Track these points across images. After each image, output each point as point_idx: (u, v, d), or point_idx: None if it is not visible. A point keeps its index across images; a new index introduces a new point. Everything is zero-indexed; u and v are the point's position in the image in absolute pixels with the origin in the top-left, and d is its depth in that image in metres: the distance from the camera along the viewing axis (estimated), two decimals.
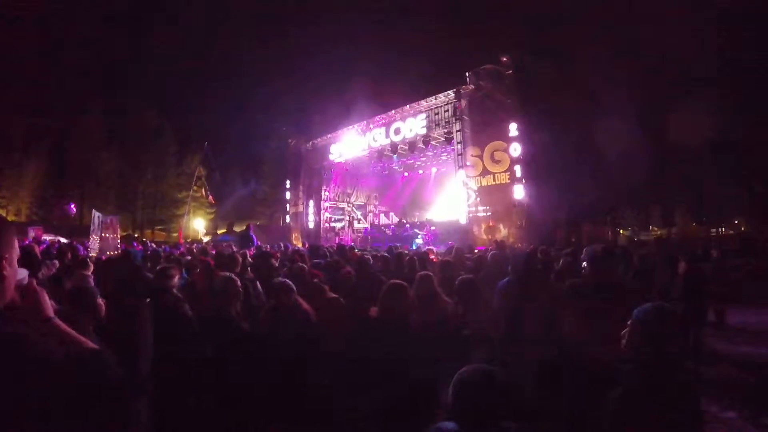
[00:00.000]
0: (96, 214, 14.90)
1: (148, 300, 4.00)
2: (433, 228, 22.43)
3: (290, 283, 4.40)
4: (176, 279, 4.27)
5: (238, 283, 4.18)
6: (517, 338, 4.04)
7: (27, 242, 15.03)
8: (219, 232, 41.71)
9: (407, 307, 3.93)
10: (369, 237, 25.41)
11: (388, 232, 25.25)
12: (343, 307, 4.64)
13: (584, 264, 6.65)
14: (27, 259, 4.21)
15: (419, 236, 21.90)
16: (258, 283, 5.60)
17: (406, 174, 28.84)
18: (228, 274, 4.26)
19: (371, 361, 3.75)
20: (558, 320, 3.90)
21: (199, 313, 4.48)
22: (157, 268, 4.31)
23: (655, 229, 35.48)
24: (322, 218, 28.72)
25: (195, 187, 25.67)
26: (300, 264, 6.85)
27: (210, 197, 26.41)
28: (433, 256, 10.02)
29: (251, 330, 4.17)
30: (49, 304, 1.57)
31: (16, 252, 1.52)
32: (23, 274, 1.56)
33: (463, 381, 1.92)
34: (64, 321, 1.81)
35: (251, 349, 3.92)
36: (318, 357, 4.11)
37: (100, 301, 3.10)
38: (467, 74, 19.88)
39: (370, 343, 3.84)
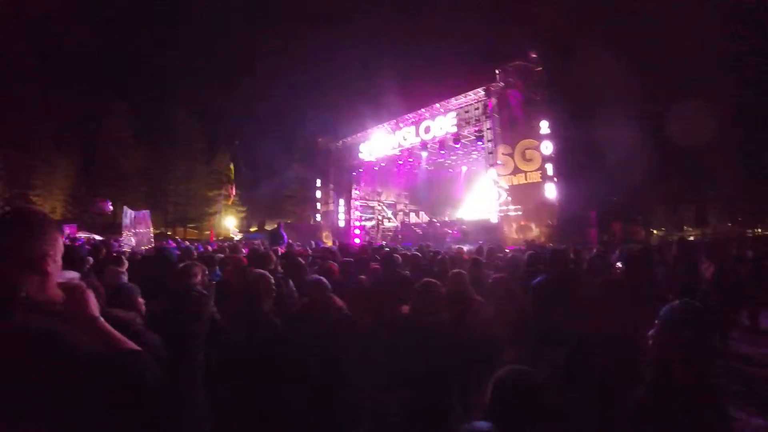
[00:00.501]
0: (127, 210, 15.16)
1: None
2: (463, 227, 22.34)
3: (324, 279, 4.45)
4: (199, 277, 4.32)
5: (271, 279, 4.21)
6: (548, 337, 4.04)
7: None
8: (251, 230, 42.25)
9: (440, 306, 3.94)
10: (399, 236, 25.43)
11: (418, 230, 25.24)
12: (374, 305, 4.66)
13: (618, 263, 6.63)
14: (70, 257, 4.31)
15: (449, 235, 21.85)
16: (290, 280, 5.65)
17: (434, 172, 28.68)
18: (261, 271, 4.29)
19: (402, 360, 3.79)
20: (589, 319, 3.89)
21: (231, 309, 4.58)
22: (180, 266, 4.36)
23: (689, 229, 34.60)
24: (352, 217, 28.83)
25: (227, 187, 26.01)
26: (330, 262, 6.93)
27: (231, 192, 26.67)
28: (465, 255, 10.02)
29: (283, 326, 4.21)
30: (95, 304, 1.59)
31: (60, 249, 1.58)
32: (73, 275, 1.60)
33: (501, 382, 1.93)
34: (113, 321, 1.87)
35: (283, 344, 3.95)
36: (350, 354, 4.13)
37: (141, 299, 3.18)
38: (496, 71, 19.73)
39: (401, 341, 3.87)
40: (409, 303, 4.03)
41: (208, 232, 39.67)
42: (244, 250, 10.42)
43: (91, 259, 5.47)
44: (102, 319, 1.59)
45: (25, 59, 41.78)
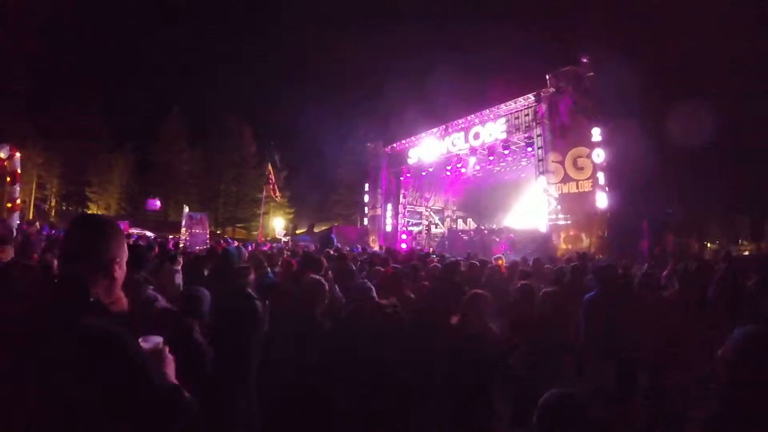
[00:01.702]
0: (186, 211, 15.72)
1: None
2: (511, 235, 22.12)
3: (370, 285, 4.53)
4: (251, 278, 4.48)
5: (326, 286, 4.33)
6: (598, 351, 4.01)
7: None
8: (298, 231, 42.84)
9: (486, 318, 3.97)
10: (446, 242, 25.35)
11: (465, 237, 25.10)
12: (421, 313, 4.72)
13: (669, 279, 6.48)
14: (135, 256, 4.52)
15: (496, 243, 21.67)
16: (336, 285, 5.74)
17: (483, 179, 28.44)
18: (317, 276, 4.41)
19: (448, 368, 3.85)
20: (641, 336, 3.85)
21: (283, 311, 4.75)
22: (234, 267, 4.53)
23: (744, 242, 33.14)
24: (399, 222, 28.90)
25: (268, 188, 26.54)
26: (378, 267, 7.01)
27: (273, 193, 27.10)
28: (501, 261, 9.92)
29: (333, 330, 4.31)
30: (173, 369, 1.68)
31: (125, 255, 1.70)
32: (157, 340, 1.72)
33: (549, 406, 1.93)
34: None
35: (333, 348, 4.04)
36: (396, 356, 4.19)
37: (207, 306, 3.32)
38: (547, 77, 19.47)
39: (449, 350, 3.92)
40: (458, 313, 4.08)
41: (256, 233, 40.45)
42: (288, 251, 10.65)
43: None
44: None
45: (90, 63, 43.91)
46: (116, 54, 47.12)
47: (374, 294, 4.47)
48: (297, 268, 6.22)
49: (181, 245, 11.46)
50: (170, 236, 21.18)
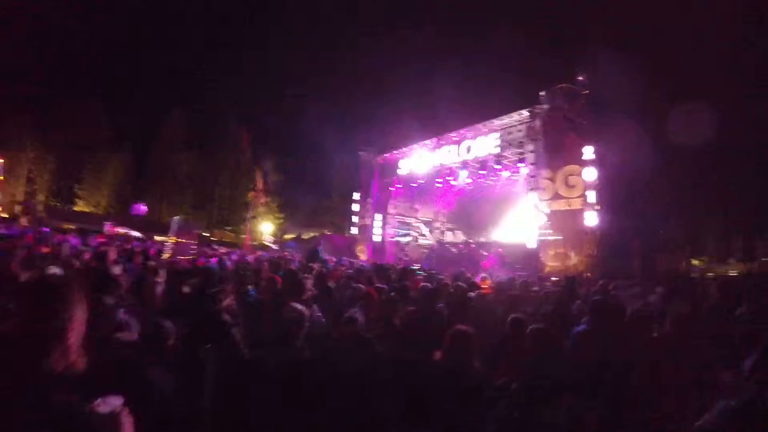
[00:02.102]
0: (175, 220, 15.49)
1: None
2: (499, 250, 22.04)
3: (356, 318, 4.39)
4: (228, 301, 4.33)
5: (306, 315, 4.20)
6: (584, 388, 3.85)
7: (100, 239, 15.75)
8: (286, 237, 42.65)
9: (471, 356, 3.82)
10: (434, 255, 25.24)
11: (454, 250, 25.03)
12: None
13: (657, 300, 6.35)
14: (102, 281, 4.34)
15: (484, 258, 21.60)
16: (316, 307, 5.56)
17: (473, 192, 28.35)
18: (297, 307, 4.25)
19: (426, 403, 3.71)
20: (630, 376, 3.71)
21: (263, 336, 4.58)
22: (209, 292, 4.37)
23: (733, 262, 33.20)
24: (388, 232, 28.77)
25: (255, 193, 26.40)
26: (360, 285, 6.86)
27: (258, 198, 26.94)
28: (486, 286, 9.75)
29: (313, 358, 4.17)
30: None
31: (82, 315, 1.64)
32: (116, 403, 1.65)
33: None
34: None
35: (312, 377, 3.89)
36: (375, 391, 4.06)
37: (172, 340, 3.14)
38: (541, 93, 19.42)
39: (430, 390, 3.77)
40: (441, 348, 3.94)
41: (244, 236, 40.23)
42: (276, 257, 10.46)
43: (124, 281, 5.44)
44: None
45: (89, 61, 43.85)
46: (118, 54, 46.81)
47: (360, 325, 4.36)
48: (279, 290, 6.06)
49: (165, 255, 11.26)
50: (155, 240, 20.88)
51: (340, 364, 4.04)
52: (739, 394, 1.98)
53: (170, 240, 13.95)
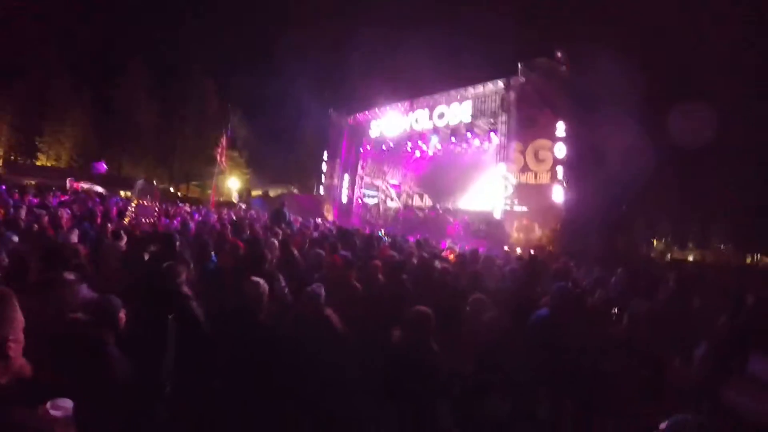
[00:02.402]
0: (138, 182, 15.28)
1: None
2: (465, 217, 22.20)
3: (318, 294, 4.33)
4: (183, 276, 4.22)
5: (265, 291, 4.17)
6: (540, 377, 3.89)
7: (61, 198, 15.26)
8: (253, 193, 42.17)
9: (429, 338, 3.81)
10: (400, 218, 25.32)
11: (420, 214, 25.14)
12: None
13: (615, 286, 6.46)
14: (57, 257, 4.19)
15: (450, 224, 21.76)
16: (281, 277, 5.47)
17: (443, 158, 28.31)
18: (257, 280, 4.16)
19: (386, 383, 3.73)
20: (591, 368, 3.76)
21: (223, 308, 4.50)
22: (164, 265, 4.23)
23: (691, 245, 34.07)
24: (355, 193, 28.65)
25: (222, 148, 25.73)
26: (319, 251, 6.80)
27: (221, 158, 26.24)
28: (452, 256, 9.85)
29: (274, 332, 4.13)
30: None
31: (20, 325, 1.59)
32: (66, 406, 1.61)
33: None
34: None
35: (272, 354, 3.85)
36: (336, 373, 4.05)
37: (122, 314, 3.03)
38: (519, 65, 19.28)
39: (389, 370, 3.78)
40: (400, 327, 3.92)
41: (210, 191, 39.67)
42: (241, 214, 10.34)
43: (81, 249, 5.25)
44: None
45: (48, 12, 41.78)
46: (85, 4, 44.72)
47: (322, 301, 4.32)
48: (241, 257, 5.94)
49: (126, 218, 10.98)
50: (116, 198, 20.29)
51: (300, 343, 4.00)
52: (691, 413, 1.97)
53: (133, 202, 13.69)
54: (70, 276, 3.68)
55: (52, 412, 1.53)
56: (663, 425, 1.89)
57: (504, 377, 3.66)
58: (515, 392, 3.64)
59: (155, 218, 11.74)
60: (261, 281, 4.18)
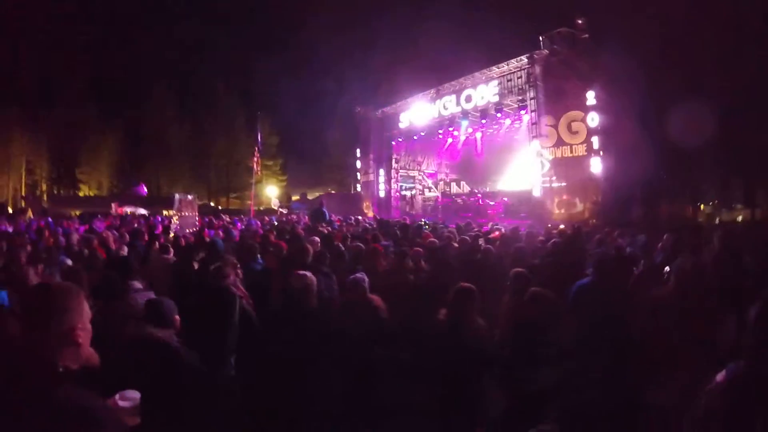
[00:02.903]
0: (176, 195, 15.66)
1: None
2: (505, 198, 22.05)
3: (363, 279, 4.44)
4: (231, 277, 4.37)
5: (313, 282, 4.29)
6: (587, 345, 3.88)
7: (104, 223, 15.79)
8: (293, 198, 42.66)
9: (472, 315, 3.86)
10: (440, 206, 25.33)
11: (459, 201, 25.08)
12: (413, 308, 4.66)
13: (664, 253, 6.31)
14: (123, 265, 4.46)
15: (491, 207, 21.69)
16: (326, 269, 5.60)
17: (478, 142, 28.07)
18: (304, 274, 4.30)
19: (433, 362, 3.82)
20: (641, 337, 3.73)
21: (273, 304, 4.81)
22: (211, 267, 4.40)
23: (739, 206, 32.74)
24: (392, 187, 28.70)
25: (257, 158, 26.08)
26: (359, 244, 6.92)
27: (257, 166, 26.54)
28: (497, 233, 9.84)
29: (323, 319, 4.28)
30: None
31: (87, 316, 1.66)
32: (134, 396, 1.73)
33: None
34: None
35: (321, 343, 3.98)
36: (386, 357, 4.16)
37: (176, 317, 3.17)
38: (540, 38, 18.97)
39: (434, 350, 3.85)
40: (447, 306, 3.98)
41: (249, 202, 40.31)
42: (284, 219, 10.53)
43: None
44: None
45: (71, 39, 42.95)
46: (101, 31, 45.84)
47: (366, 288, 4.47)
48: (285, 257, 6.12)
49: (171, 232, 11.36)
50: (160, 216, 20.93)
51: (348, 329, 4.12)
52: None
53: (174, 217, 14.13)
54: (137, 284, 3.90)
55: (121, 403, 1.64)
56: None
57: (550, 347, 3.67)
58: (563, 361, 3.64)
59: (197, 227, 12.09)
60: (307, 273, 4.32)
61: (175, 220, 12.34)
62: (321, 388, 3.88)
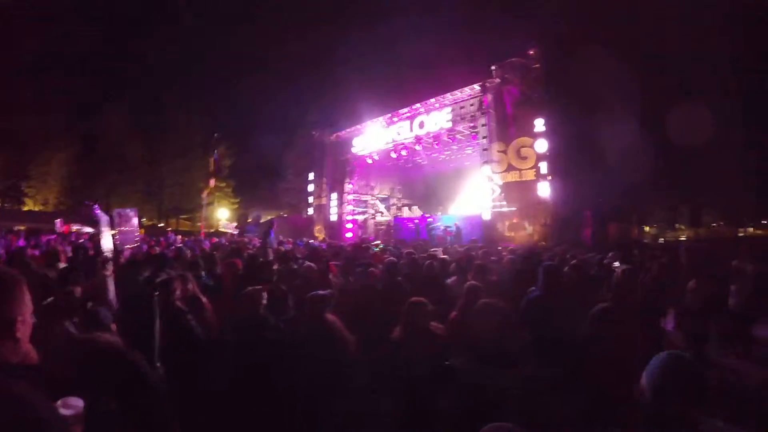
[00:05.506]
0: (116, 211, 15.01)
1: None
2: (456, 222, 22.32)
3: (322, 299, 4.40)
4: (178, 292, 4.28)
5: (264, 296, 4.26)
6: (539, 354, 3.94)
7: (51, 237, 15.21)
8: (249, 220, 42.07)
9: (428, 325, 3.87)
10: (392, 230, 25.43)
11: (411, 225, 25.22)
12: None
13: (614, 264, 6.54)
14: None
15: (440, 229, 21.87)
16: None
17: (428, 167, 28.40)
18: (256, 288, 4.27)
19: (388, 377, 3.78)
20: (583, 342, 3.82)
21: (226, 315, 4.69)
22: (157, 281, 4.31)
23: (682, 227, 34.40)
24: (344, 211, 28.70)
25: (213, 180, 25.79)
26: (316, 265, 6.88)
27: (210, 183, 26.24)
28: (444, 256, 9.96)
29: (277, 337, 4.19)
30: None
31: (29, 308, 1.57)
32: (77, 404, 1.61)
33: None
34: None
35: (280, 349, 3.91)
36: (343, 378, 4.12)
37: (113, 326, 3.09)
38: (492, 68, 19.58)
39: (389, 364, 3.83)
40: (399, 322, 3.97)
41: (200, 224, 39.59)
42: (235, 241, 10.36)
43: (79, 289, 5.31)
44: None
45: (24, 55, 41.52)
46: (55, 46, 44.54)
47: (324, 306, 4.36)
48: (240, 274, 6.05)
49: (105, 252, 10.94)
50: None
51: (301, 346, 4.06)
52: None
53: (113, 232, 13.67)
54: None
55: (63, 411, 1.54)
56: None
57: (503, 357, 3.70)
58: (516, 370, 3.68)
59: (137, 243, 11.74)
60: (258, 288, 4.27)
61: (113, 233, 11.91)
62: (270, 405, 3.81)
